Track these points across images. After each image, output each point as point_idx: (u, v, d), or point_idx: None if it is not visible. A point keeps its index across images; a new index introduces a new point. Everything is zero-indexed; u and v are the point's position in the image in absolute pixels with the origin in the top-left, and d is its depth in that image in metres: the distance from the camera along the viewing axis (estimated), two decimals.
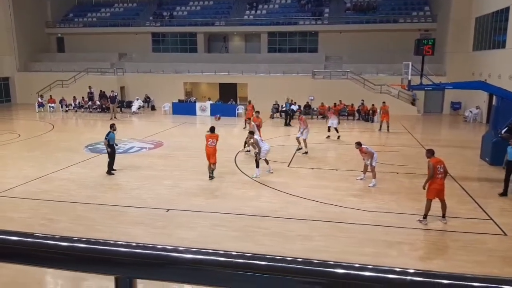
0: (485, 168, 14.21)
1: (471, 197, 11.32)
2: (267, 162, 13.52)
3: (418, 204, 10.62)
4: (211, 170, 12.86)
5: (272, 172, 13.54)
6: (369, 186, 12.10)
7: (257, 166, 13.20)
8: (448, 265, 7.48)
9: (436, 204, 10.62)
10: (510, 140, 11.68)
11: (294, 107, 27.52)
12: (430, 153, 9.61)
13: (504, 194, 11.40)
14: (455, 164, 14.76)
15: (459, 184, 12.48)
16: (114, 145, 13.49)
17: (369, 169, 12.37)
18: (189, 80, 33.56)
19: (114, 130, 13.51)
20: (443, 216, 9.41)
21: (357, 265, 0.83)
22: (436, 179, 9.13)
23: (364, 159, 12.57)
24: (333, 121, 19.96)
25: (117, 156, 15.99)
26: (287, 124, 24.39)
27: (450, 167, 14.29)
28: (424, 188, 9.43)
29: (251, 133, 13.89)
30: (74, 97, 30.42)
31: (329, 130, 19.90)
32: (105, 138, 13.21)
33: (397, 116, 26.52)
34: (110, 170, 13.30)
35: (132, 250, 0.90)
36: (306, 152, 16.29)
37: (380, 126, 22.34)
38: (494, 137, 14.82)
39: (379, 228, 9.29)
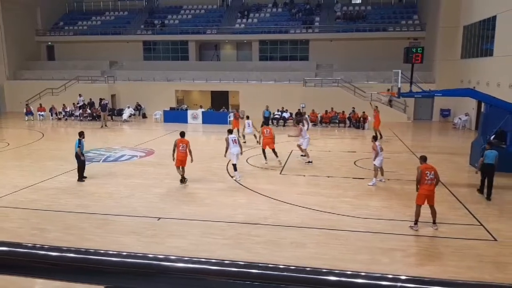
0: (475, 174, 14.30)
1: (461, 203, 11.41)
2: (234, 168, 13.40)
3: (410, 211, 10.68)
4: (182, 175, 12.87)
5: (239, 181, 13.38)
6: (368, 185, 12.73)
7: (234, 169, 13.28)
8: (440, 271, 7.51)
9: (427, 210, 10.71)
10: (488, 145, 12.41)
11: (286, 115, 27.65)
12: (421, 159, 9.93)
13: (481, 191, 12.16)
14: (445, 171, 14.89)
15: (449, 190, 12.58)
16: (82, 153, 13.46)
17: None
18: (180, 88, 33.54)
19: (84, 137, 13.56)
20: (434, 222, 9.47)
21: (349, 273, 0.83)
22: (424, 185, 9.26)
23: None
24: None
25: (107, 164, 15.89)
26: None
27: (440, 173, 14.39)
28: (417, 191, 9.60)
29: (229, 131, 14.09)
30: (64, 105, 30.19)
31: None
32: (78, 147, 13.15)
33: (387, 123, 26.73)
34: (82, 177, 13.36)
35: (123, 260, 0.89)
36: (310, 162, 15.98)
37: (380, 134, 21.81)
38: (483, 143, 14.99)
39: (372, 235, 9.30)
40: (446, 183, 13.37)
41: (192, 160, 12.90)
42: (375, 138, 13.63)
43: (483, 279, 7.31)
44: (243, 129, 19.86)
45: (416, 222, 9.41)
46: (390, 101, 29.07)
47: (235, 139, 13.55)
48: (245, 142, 19.48)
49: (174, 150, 12.78)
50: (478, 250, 8.46)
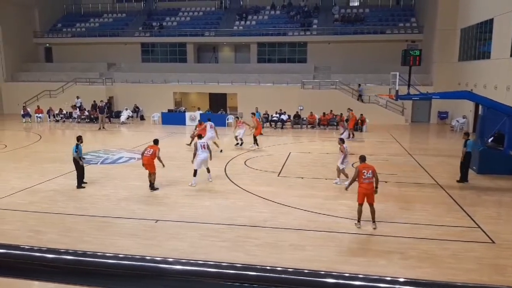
0: (472, 176, 14.38)
1: (459, 205, 11.43)
2: (194, 173, 13.11)
3: (407, 213, 10.71)
4: (152, 182, 12.65)
5: (211, 181, 13.41)
6: (332, 183, 13.19)
7: (194, 175, 13.10)
8: (438, 274, 7.51)
9: (426, 212, 10.73)
10: (466, 136, 13.73)
11: (284, 117, 27.68)
12: (360, 158, 10.27)
13: (461, 181, 13.61)
14: (442, 173, 14.95)
15: (447, 193, 12.60)
16: (82, 158, 13.10)
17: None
18: (178, 90, 33.55)
19: (82, 142, 13.16)
20: (373, 221, 9.64)
21: (347, 275, 0.83)
22: (362, 183, 9.52)
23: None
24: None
25: (105, 167, 15.87)
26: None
27: (437, 175, 14.56)
28: (346, 189, 10.26)
29: (199, 136, 14.00)
30: (61, 109, 30.13)
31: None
32: (75, 151, 12.72)
33: (385, 126, 26.83)
34: (81, 183, 12.96)
35: (120, 262, 0.89)
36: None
37: (353, 134, 22.69)
38: (480, 146, 15.04)
39: (370, 237, 9.31)
40: (444, 185, 13.40)
41: (163, 165, 12.86)
42: (342, 141, 13.63)
43: (481, 281, 7.32)
44: (235, 130, 19.98)
45: (358, 220, 9.70)
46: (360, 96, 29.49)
47: (204, 145, 13.20)
48: (240, 144, 19.50)
49: (142, 154, 12.78)
50: (476, 252, 8.46)
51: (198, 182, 13.20)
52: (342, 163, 13.18)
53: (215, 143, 18.25)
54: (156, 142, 13.15)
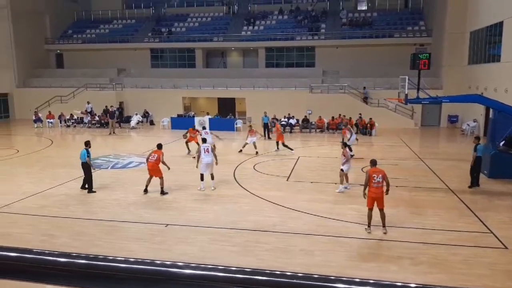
0: (484, 180, 14.20)
1: (470, 210, 11.28)
2: (201, 178, 13.11)
3: (418, 218, 10.60)
4: (161, 187, 12.66)
5: (213, 189, 13.21)
6: (336, 191, 12.89)
7: (201, 179, 13.12)
8: (449, 279, 7.41)
9: (437, 217, 10.61)
10: (476, 140, 13.65)
11: (292, 121, 27.65)
12: (371, 163, 10.10)
13: (472, 186, 13.47)
14: (453, 177, 14.79)
15: (458, 197, 12.45)
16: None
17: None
18: (187, 95, 33.73)
19: (90, 147, 13.19)
20: (383, 226, 9.57)
21: (357, 280, 0.82)
22: (371, 188, 9.43)
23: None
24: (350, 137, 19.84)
25: (116, 171, 15.99)
26: (266, 137, 24.35)
27: (448, 180, 14.40)
28: (364, 197, 9.76)
29: (204, 140, 14.21)
30: (71, 114, 30.47)
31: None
32: (86, 156, 12.73)
33: (394, 130, 26.66)
34: (91, 188, 12.97)
35: (131, 266, 0.89)
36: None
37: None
38: (492, 150, 14.86)
39: (380, 242, 9.23)
40: (455, 190, 13.25)
41: (168, 168, 12.90)
42: (345, 145, 13.71)
43: (494, 287, 7.21)
44: (247, 138, 19.76)
45: (369, 225, 9.59)
46: (366, 98, 29.37)
47: (207, 149, 13.17)
48: (256, 152, 19.32)
49: (147, 160, 12.88)
50: (488, 258, 8.34)
51: (208, 186, 13.22)
52: (343, 165, 13.06)
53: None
54: (159, 146, 13.21)
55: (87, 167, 12.91)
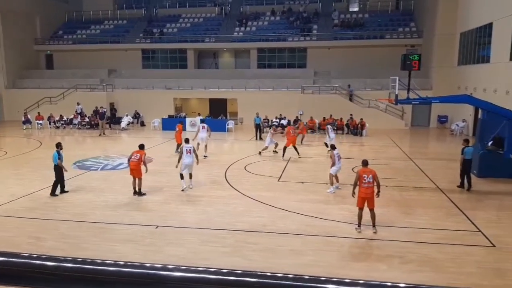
0: (473, 180, 14.33)
1: (459, 209, 11.40)
2: (181, 177, 13.13)
3: (408, 217, 10.69)
4: (136, 187, 12.58)
5: (191, 188, 13.25)
6: (326, 192, 13.03)
7: (181, 178, 13.10)
8: (438, 278, 7.48)
9: (427, 216, 10.70)
10: (465, 143, 13.54)
11: (284, 122, 27.69)
12: (362, 163, 10.21)
13: (461, 186, 13.43)
14: (442, 177, 14.93)
15: (447, 196, 12.58)
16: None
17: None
18: (179, 96, 33.59)
19: (61, 149, 12.99)
20: (373, 225, 9.63)
21: (348, 280, 0.83)
22: (361, 188, 9.52)
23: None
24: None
25: (106, 173, 15.87)
26: (257, 138, 24.37)
27: (438, 179, 14.54)
28: (353, 195, 9.98)
29: (186, 141, 13.83)
30: (61, 115, 30.16)
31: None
32: (58, 159, 12.53)
33: (385, 130, 26.83)
34: (55, 191, 12.73)
35: (120, 269, 0.88)
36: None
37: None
38: (480, 149, 15.03)
39: (370, 241, 9.28)
40: (444, 189, 13.39)
41: (146, 171, 12.68)
42: (333, 147, 13.64)
43: (482, 285, 7.29)
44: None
45: (359, 224, 9.67)
46: (351, 95, 29.72)
47: (189, 149, 13.14)
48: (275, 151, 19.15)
49: (129, 159, 12.77)
50: (476, 256, 8.44)
51: (200, 187, 13.18)
52: (331, 168, 13.17)
53: (198, 144, 18.45)
54: (141, 147, 13.09)
55: (59, 170, 12.67)
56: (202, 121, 19.80)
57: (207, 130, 18.91)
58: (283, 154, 18.23)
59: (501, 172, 14.59)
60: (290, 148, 18.25)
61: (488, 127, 15.29)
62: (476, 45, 25.01)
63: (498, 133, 14.79)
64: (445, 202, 12.10)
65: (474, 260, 8.25)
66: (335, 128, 26.20)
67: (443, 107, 27.66)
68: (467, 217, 10.71)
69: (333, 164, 13.10)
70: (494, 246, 8.90)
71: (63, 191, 12.88)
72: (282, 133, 20.01)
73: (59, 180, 12.79)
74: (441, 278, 7.48)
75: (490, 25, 22.63)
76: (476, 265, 8.02)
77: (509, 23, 20.21)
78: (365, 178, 9.49)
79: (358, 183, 9.63)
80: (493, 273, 7.77)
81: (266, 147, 18.93)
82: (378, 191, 9.60)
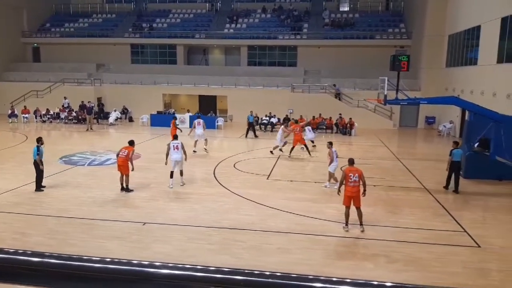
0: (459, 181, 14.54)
1: (445, 209, 11.55)
2: (171, 175, 13.07)
3: (394, 217, 10.80)
4: (123, 183, 12.49)
5: (182, 185, 13.21)
6: (322, 186, 13.38)
7: (171, 176, 13.07)
8: (423, 277, 7.57)
9: (413, 216, 10.83)
10: (454, 145, 13.56)
11: (274, 120, 27.73)
12: (349, 162, 10.28)
13: (447, 187, 13.50)
14: (429, 177, 15.10)
15: (434, 197, 12.73)
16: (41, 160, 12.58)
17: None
18: (168, 91, 33.40)
19: (42, 143, 12.74)
20: (360, 224, 9.73)
21: (335, 279, 0.83)
22: (347, 187, 9.61)
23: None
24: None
25: (93, 168, 15.71)
26: (248, 135, 24.37)
27: (425, 180, 14.71)
28: (338, 194, 10.26)
29: (175, 137, 13.75)
30: (48, 109, 29.75)
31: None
32: (36, 154, 12.27)
33: (373, 130, 27.05)
34: (40, 186, 12.54)
35: (107, 266, 0.87)
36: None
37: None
38: (467, 150, 15.24)
39: (357, 240, 9.35)
40: (431, 189, 13.54)
41: (132, 169, 12.53)
42: (331, 144, 13.65)
43: (466, 285, 7.40)
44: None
45: (346, 223, 9.76)
46: (338, 94, 30.06)
47: (176, 146, 13.06)
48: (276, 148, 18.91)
49: (117, 155, 12.65)
50: (461, 256, 8.56)
51: (188, 184, 13.13)
52: (329, 166, 13.26)
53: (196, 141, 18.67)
54: (131, 143, 12.92)
55: (36, 166, 12.43)
56: (198, 117, 19.86)
57: (203, 127, 18.92)
58: (290, 152, 18.21)
59: (487, 173, 14.81)
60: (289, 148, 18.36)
61: (475, 129, 15.50)
62: (464, 47, 25.32)
63: (485, 135, 15.01)
64: (431, 202, 12.24)
65: (459, 260, 8.38)
66: (314, 128, 26.19)
67: (431, 108, 27.97)
68: (453, 218, 10.86)
69: (331, 161, 13.15)
70: (479, 246, 9.04)
71: (38, 188, 12.47)
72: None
73: (38, 175, 12.55)
74: (426, 277, 7.58)
75: (478, 28, 22.93)
76: (461, 265, 8.14)
77: (496, 26, 20.50)
78: (351, 177, 9.56)
79: (344, 182, 9.70)
80: (477, 273, 7.89)
81: (277, 146, 18.80)
82: (364, 190, 9.67)
